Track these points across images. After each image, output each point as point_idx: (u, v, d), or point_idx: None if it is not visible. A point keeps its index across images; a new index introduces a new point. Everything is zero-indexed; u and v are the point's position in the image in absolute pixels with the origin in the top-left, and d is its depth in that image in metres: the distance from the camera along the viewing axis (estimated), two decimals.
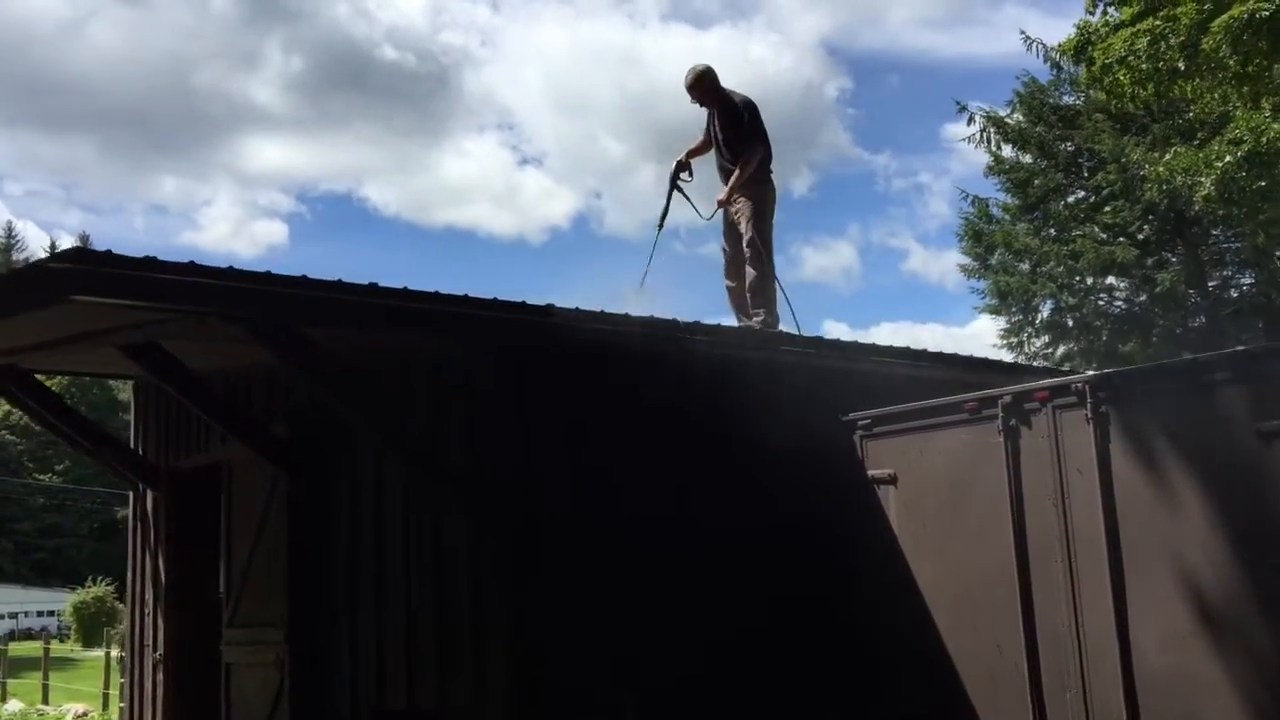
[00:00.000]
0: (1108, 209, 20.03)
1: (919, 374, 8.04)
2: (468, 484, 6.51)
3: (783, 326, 8.61)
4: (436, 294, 6.18)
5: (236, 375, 8.33)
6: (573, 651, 6.38)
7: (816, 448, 7.34)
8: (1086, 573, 6.12)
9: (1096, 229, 19.51)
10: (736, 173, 8.62)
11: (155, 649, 9.18)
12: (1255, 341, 20.05)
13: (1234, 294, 19.75)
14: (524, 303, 6.48)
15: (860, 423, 7.33)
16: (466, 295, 6.30)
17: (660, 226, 9.13)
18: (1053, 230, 20.79)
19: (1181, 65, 15.01)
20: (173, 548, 9.21)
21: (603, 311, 6.69)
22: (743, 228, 8.63)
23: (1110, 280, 20.14)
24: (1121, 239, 19.32)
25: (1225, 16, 13.26)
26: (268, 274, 5.65)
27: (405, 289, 6.08)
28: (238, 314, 5.65)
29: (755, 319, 8.60)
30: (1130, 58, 14.94)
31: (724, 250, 9.05)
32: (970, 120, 21.69)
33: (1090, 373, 6.37)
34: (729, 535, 7.06)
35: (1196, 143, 18.43)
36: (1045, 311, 20.32)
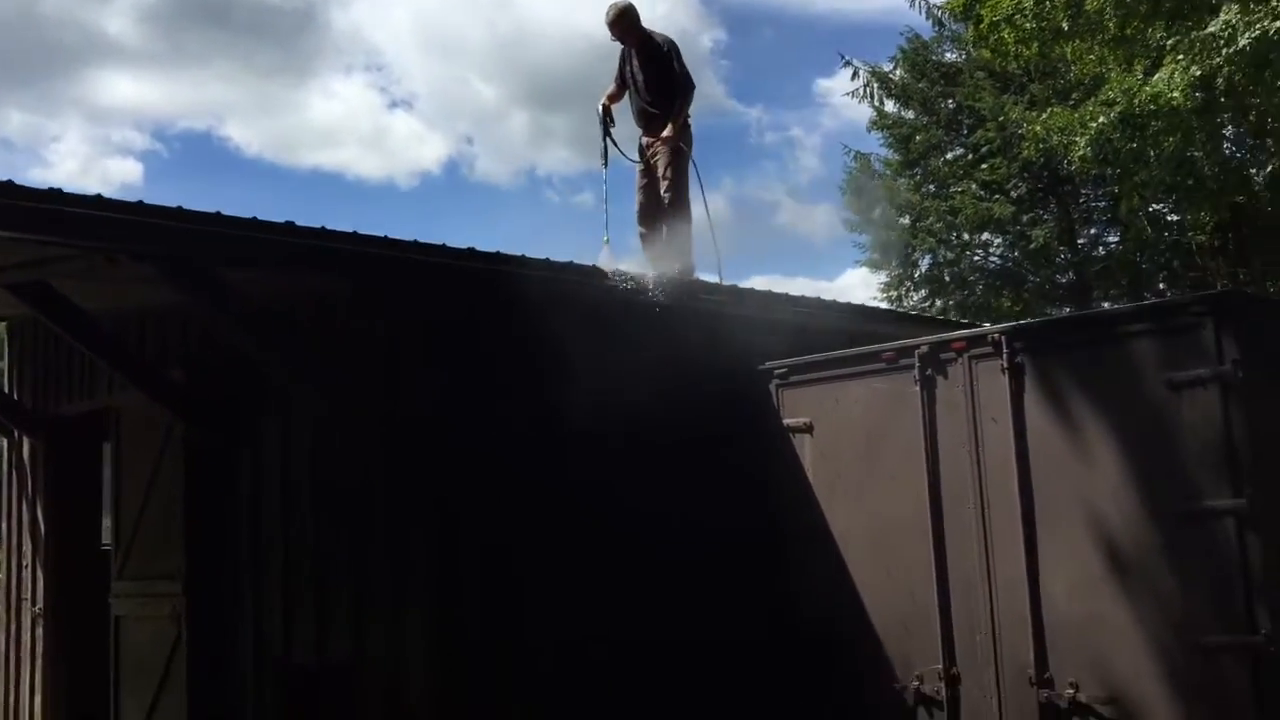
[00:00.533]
0: (985, 166, 20.50)
1: (833, 325, 8.11)
2: (388, 423, 6.32)
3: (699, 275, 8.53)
4: (356, 234, 5.97)
5: (126, 317, 7.93)
6: (494, 599, 6.29)
7: (733, 396, 7.36)
8: (999, 520, 6.27)
9: (975, 186, 19.98)
10: (673, 115, 8.39)
11: (34, 603, 8.77)
12: (1121, 299, 20.89)
13: (1101, 251, 20.49)
14: (443, 245, 6.32)
15: (776, 372, 7.36)
16: (387, 236, 6.11)
17: (605, 166, 8.89)
18: (932, 186, 21.21)
19: (1065, 25, 15.37)
20: (52, 497, 8.79)
21: (519, 256, 6.54)
22: (662, 173, 8.46)
23: (986, 236, 20.68)
24: (998, 196, 19.83)
25: None
26: (181, 209, 5.37)
27: (324, 228, 5.86)
28: (151, 252, 5.35)
29: (672, 267, 8.46)
30: (1016, 16, 15.24)
31: (638, 198, 8.86)
32: (854, 75, 21.93)
33: (1007, 324, 6.50)
34: (643, 481, 7.03)
35: (1072, 103, 18.97)
36: (924, 266, 20.81)
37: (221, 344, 7.30)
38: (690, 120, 8.76)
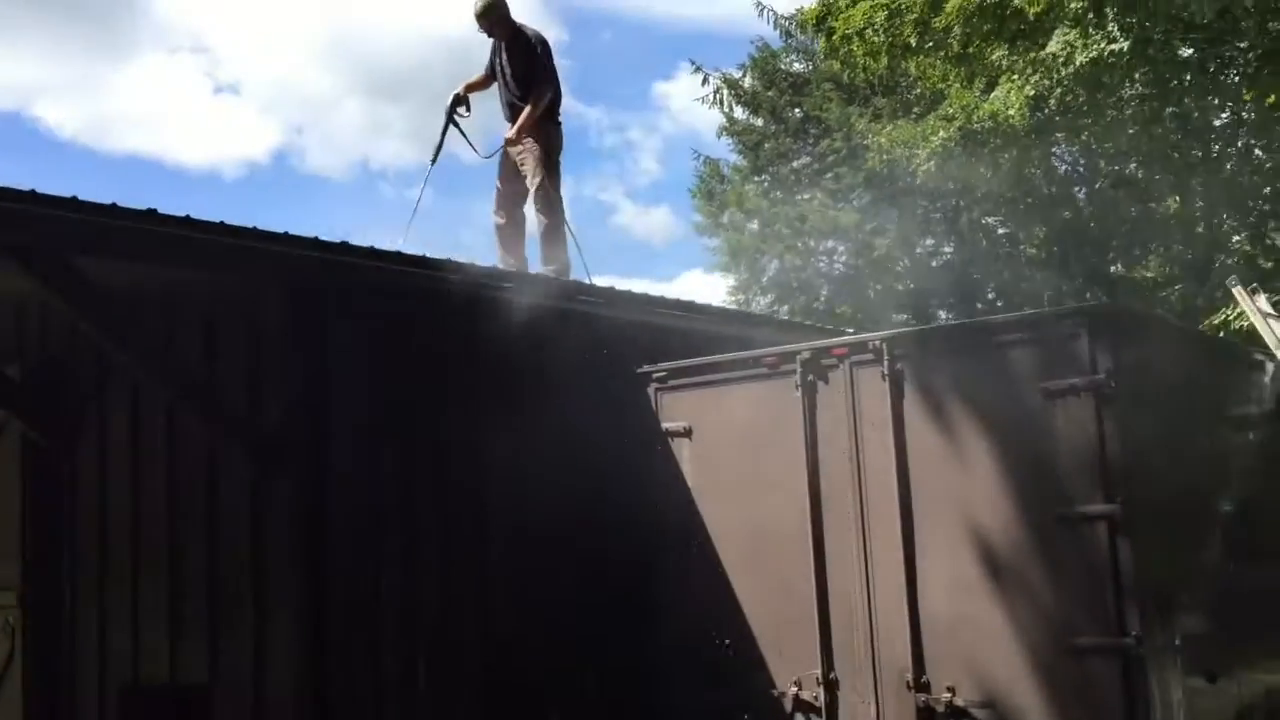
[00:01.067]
0: (830, 175, 20.97)
1: (707, 329, 8.08)
2: (250, 431, 5.97)
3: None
4: (222, 224, 5.60)
5: None
6: (364, 614, 6.02)
7: (609, 399, 7.24)
8: (878, 525, 6.33)
9: (820, 194, 20.41)
10: (527, 109, 8.25)
11: None
12: (953, 308, 21.67)
13: (935, 264, 21.20)
14: (318, 239, 6.00)
15: (655, 375, 7.27)
16: (255, 228, 5.76)
17: (434, 161, 8.70)
18: (778, 193, 21.57)
19: (913, 41, 15.83)
20: None
21: (415, 255, 6.28)
22: (529, 169, 8.29)
23: (831, 243, 21.14)
24: (843, 205, 20.31)
25: None
26: (34, 193, 4.92)
27: (187, 217, 5.47)
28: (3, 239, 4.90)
29: (548, 268, 8.33)
30: (868, 30, 15.61)
31: (498, 187, 8.65)
32: (704, 80, 22.14)
33: (888, 331, 6.57)
34: (518, 487, 6.87)
35: (914, 117, 19.57)
36: (771, 271, 21.13)
37: (64, 339, 6.82)
38: (560, 120, 8.63)
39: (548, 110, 8.44)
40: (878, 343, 6.40)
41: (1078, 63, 13.13)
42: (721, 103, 21.96)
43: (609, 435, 7.21)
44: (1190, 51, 14.44)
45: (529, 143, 8.29)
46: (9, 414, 6.70)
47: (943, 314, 21.03)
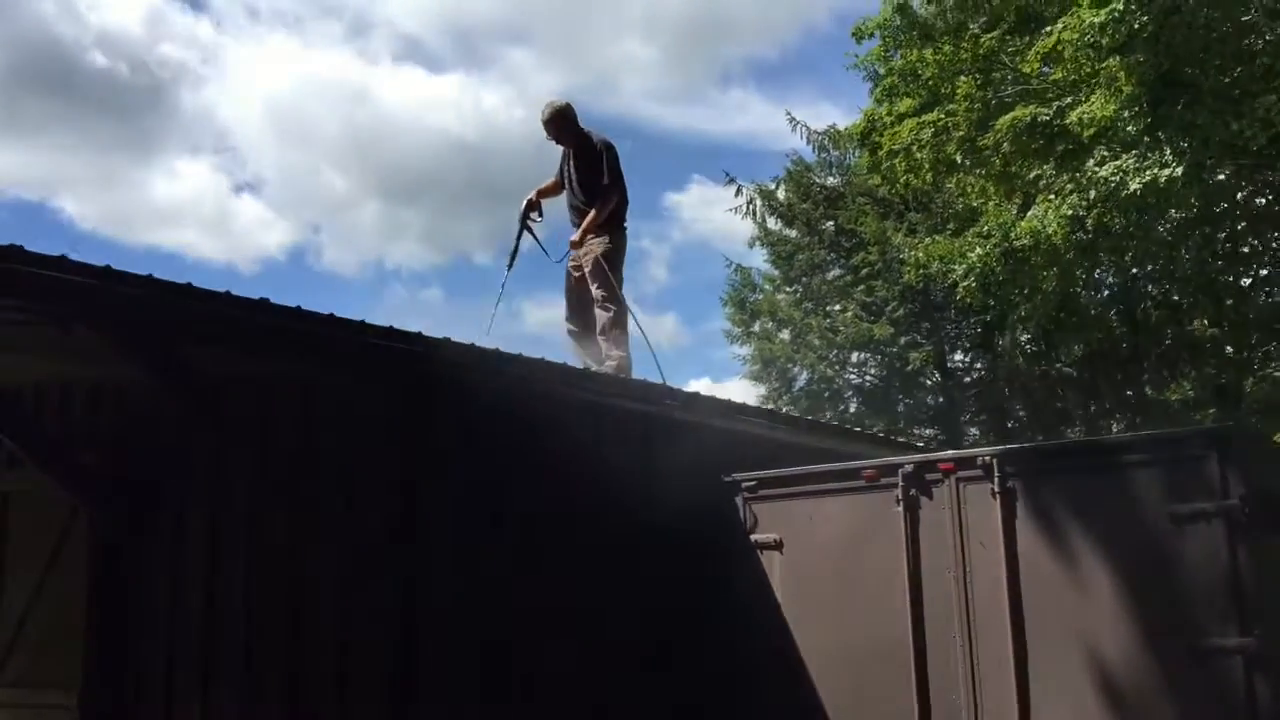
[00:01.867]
0: (861, 287, 20.97)
1: (785, 439, 7.90)
2: (344, 530, 5.74)
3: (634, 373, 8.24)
4: (333, 317, 5.45)
5: (21, 391, 7.09)
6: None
7: (691, 507, 7.03)
8: (987, 648, 6.07)
9: (854, 306, 20.39)
10: (592, 214, 8.23)
11: None
12: (987, 422, 21.50)
13: (968, 379, 21.10)
14: (420, 333, 5.84)
15: (744, 484, 7.06)
16: (363, 322, 5.61)
17: (510, 266, 8.63)
18: (809, 304, 21.56)
19: (958, 159, 15.94)
20: None
21: (504, 352, 6.12)
22: (588, 269, 8.25)
23: (861, 356, 21.07)
24: (874, 318, 20.27)
25: (1010, 116, 14.19)
26: (152, 278, 4.78)
27: (299, 309, 5.33)
28: (113, 324, 4.74)
29: (608, 364, 8.18)
30: (914, 147, 15.73)
31: (569, 295, 8.63)
32: (738, 191, 22.30)
33: (996, 447, 6.38)
34: (596, 592, 6.60)
35: (950, 232, 19.64)
36: (801, 381, 21.01)
37: (141, 428, 6.62)
38: (626, 226, 8.59)
39: (615, 214, 8.42)
40: (988, 458, 6.21)
41: (1131, 188, 13.11)
42: (754, 213, 22.09)
43: (692, 544, 6.97)
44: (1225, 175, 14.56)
45: (595, 243, 8.27)
46: (83, 503, 6.44)
47: (973, 430, 20.85)
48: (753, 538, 6.95)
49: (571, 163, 8.55)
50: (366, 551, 5.75)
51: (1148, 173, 12.92)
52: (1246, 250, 17.70)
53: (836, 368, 20.73)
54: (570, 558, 6.46)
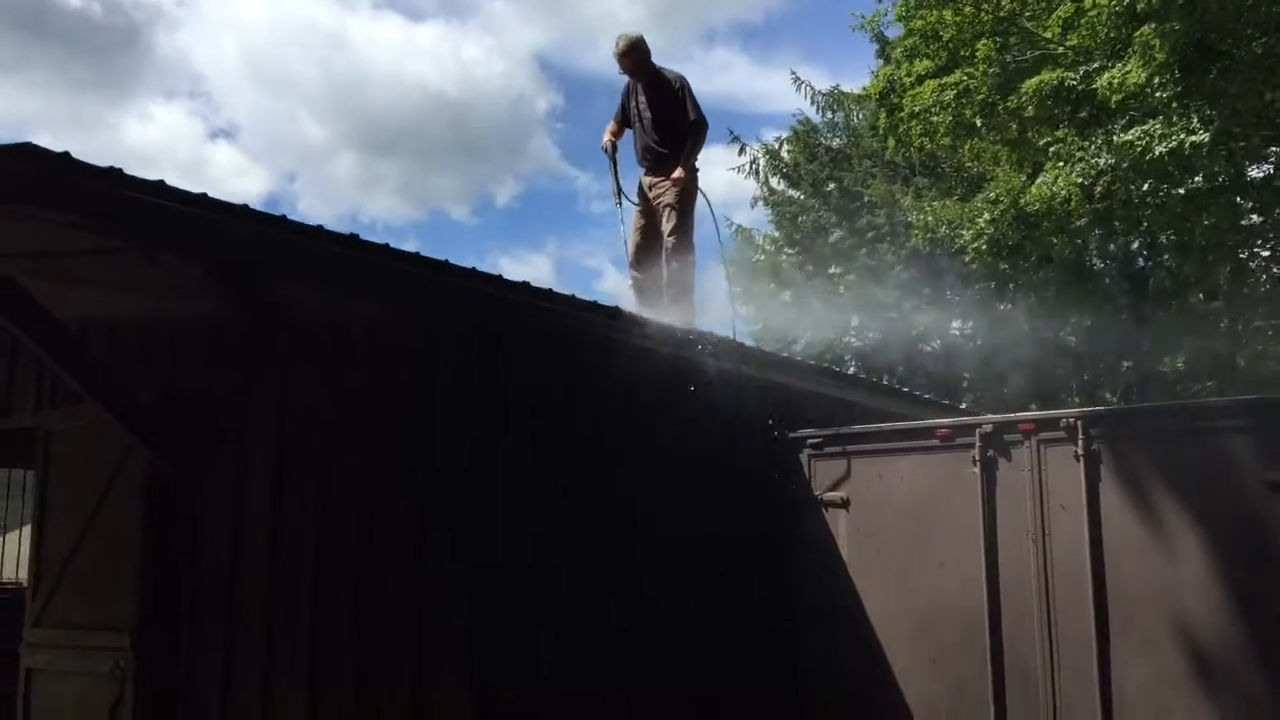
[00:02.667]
0: (864, 251, 20.87)
1: (847, 398, 7.79)
2: (415, 473, 5.57)
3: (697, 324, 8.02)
4: (419, 256, 5.26)
5: (88, 330, 6.85)
6: (524, 671, 5.59)
7: (750, 462, 6.92)
8: (1066, 611, 6.02)
9: (858, 270, 20.28)
10: (688, 150, 7.91)
11: None
12: (985, 389, 21.50)
13: (972, 346, 21.06)
14: (500, 276, 5.67)
15: (810, 441, 6.95)
16: (446, 261, 5.42)
17: (619, 203, 8.30)
18: (810, 267, 21.44)
19: (978, 122, 15.81)
20: None
21: (548, 291, 5.93)
22: (665, 216, 7.94)
23: (862, 319, 20.95)
24: (877, 281, 20.16)
25: (1036, 79, 14.06)
26: (246, 208, 4.56)
27: (387, 246, 5.13)
28: (206, 251, 4.53)
29: (675, 314, 7.89)
30: (935, 109, 15.58)
31: (635, 239, 8.28)
32: (741, 150, 22.07)
33: (1081, 409, 6.28)
34: (658, 544, 6.48)
35: (956, 197, 19.54)
36: (800, 345, 20.88)
37: (199, 366, 6.42)
38: (699, 168, 8.33)
39: (688, 153, 8.08)
40: (1071, 420, 6.12)
41: (1156, 153, 13.00)
42: (758, 173, 21.89)
43: (756, 499, 6.88)
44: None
45: (666, 186, 7.95)
46: (135, 441, 6.23)
47: (970, 396, 20.84)
48: (818, 495, 6.85)
49: (642, 98, 8.19)
50: (438, 493, 5.58)
51: (1174, 138, 12.82)
52: (1250, 224, 17.71)
53: (839, 331, 20.65)
54: (621, 509, 6.32)
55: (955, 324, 22.42)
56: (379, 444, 5.71)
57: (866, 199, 20.33)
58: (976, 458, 6.35)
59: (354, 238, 4.97)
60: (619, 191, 8.22)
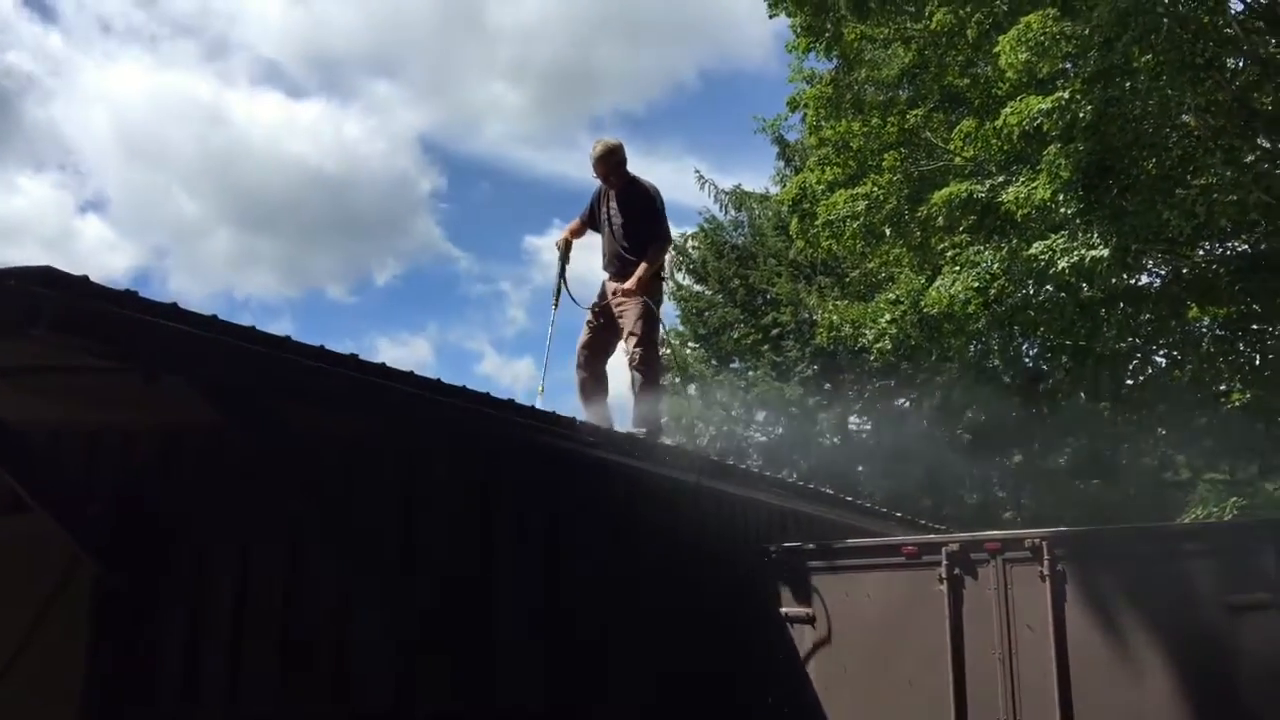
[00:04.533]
0: (766, 347, 21.24)
1: (813, 513, 7.86)
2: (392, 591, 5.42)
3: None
4: (412, 374, 5.18)
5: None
6: None
7: (723, 576, 6.91)
8: None
9: (764, 366, 20.60)
10: (644, 265, 7.91)
11: None
12: (881, 487, 21.90)
13: (868, 439, 21.52)
14: (489, 394, 5.62)
15: (776, 555, 6.97)
16: (438, 380, 5.35)
17: (556, 305, 8.26)
18: (714, 362, 21.70)
19: (887, 230, 16.37)
20: None
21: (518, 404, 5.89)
22: (629, 324, 7.89)
23: (767, 415, 21.26)
24: (782, 378, 20.52)
25: (946, 190, 14.63)
26: (253, 330, 4.46)
27: (383, 365, 5.05)
28: (207, 377, 4.39)
29: (639, 430, 7.85)
30: (849, 218, 16.10)
31: (585, 339, 8.24)
32: None
33: (1046, 529, 6.45)
34: (632, 657, 6.40)
35: (857, 296, 20.09)
36: (705, 439, 21.02)
37: (154, 476, 6.15)
38: (665, 278, 8.40)
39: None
40: (1036, 540, 6.27)
41: (1060, 266, 13.57)
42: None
43: (722, 614, 6.85)
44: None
45: (628, 297, 7.90)
46: (88, 553, 5.90)
47: (872, 492, 21.23)
48: (783, 610, 6.86)
49: (613, 204, 8.20)
50: (417, 619, 5.43)
51: (1075, 253, 13.43)
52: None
53: (742, 425, 20.90)
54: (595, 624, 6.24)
55: (854, 419, 22.93)
56: (355, 566, 5.54)
57: (771, 296, 20.75)
58: (943, 576, 6.45)
59: (354, 357, 4.88)
60: (559, 291, 8.16)
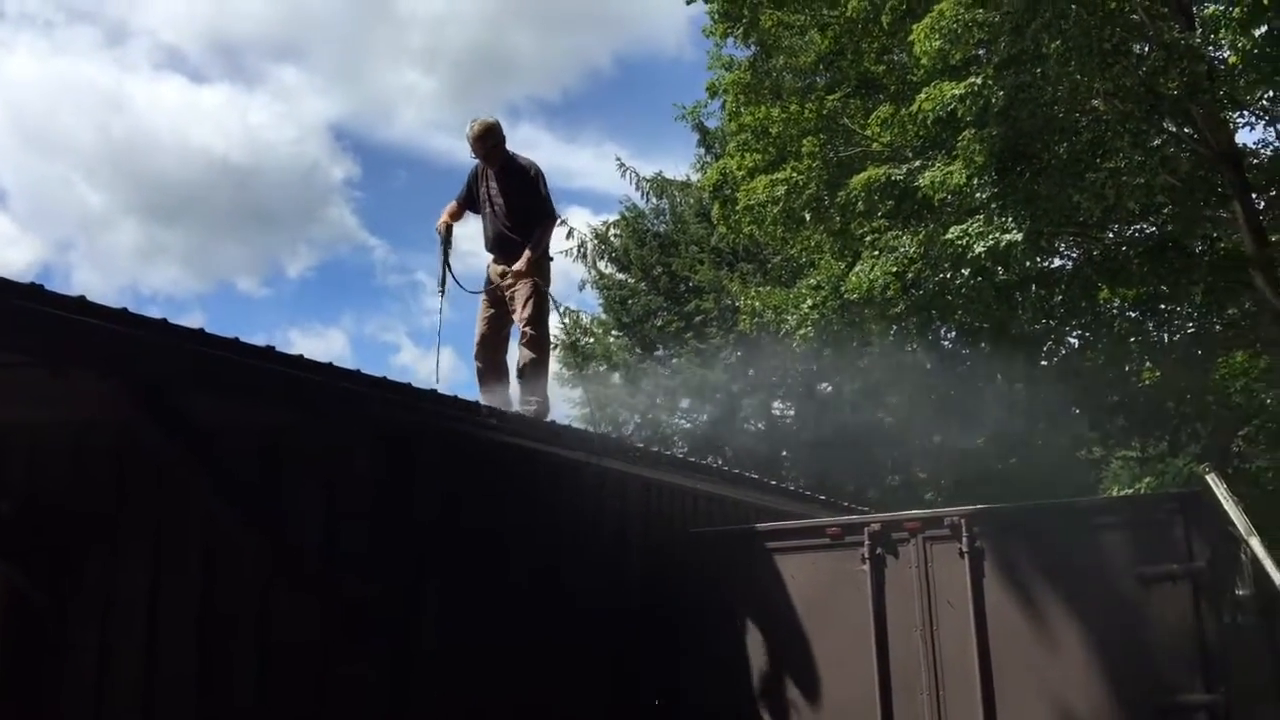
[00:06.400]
0: (690, 334, 21.33)
1: (727, 495, 7.90)
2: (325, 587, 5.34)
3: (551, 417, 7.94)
4: (331, 366, 5.10)
5: None
6: None
7: (653, 563, 6.93)
8: (955, 707, 6.21)
9: (688, 353, 20.69)
10: (533, 244, 7.79)
11: None
12: (805, 471, 22.13)
13: (791, 424, 21.75)
14: (409, 385, 5.55)
15: (705, 540, 7.00)
16: (358, 371, 5.28)
17: (442, 293, 8.01)
18: (638, 350, 21.74)
19: (807, 216, 16.51)
20: None
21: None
22: (519, 307, 7.78)
23: (692, 402, 21.36)
24: (705, 365, 20.63)
25: (865, 175, 14.80)
26: (165, 322, 4.36)
27: (301, 357, 4.97)
28: (117, 370, 4.28)
29: (527, 407, 7.78)
30: (769, 203, 16.20)
31: (482, 327, 8.07)
32: (569, 234, 22.32)
33: (965, 508, 6.55)
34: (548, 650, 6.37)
35: (778, 282, 20.27)
36: (630, 427, 21.09)
37: (63, 477, 5.98)
38: (552, 257, 8.30)
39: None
40: (955, 519, 6.39)
41: (976, 251, 13.80)
42: (585, 256, 22.17)
43: (652, 601, 6.87)
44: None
45: (517, 278, 7.78)
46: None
47: (796, 477, 21.43)
48: (712, 594, 6.89)
49: (493, 184, 8.03)
50: (337, 621, 5.36)
51: (990, 237, 13.67)
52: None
53: (667, 412, 20.98)
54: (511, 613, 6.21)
55: (777, 405, 23.13)
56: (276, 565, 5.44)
57: (694, 283, 20.85)
58: (865, 555, 6.53)
59: (270, 349, 4.80)
60: (444, 279, 7.96)
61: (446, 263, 8.04)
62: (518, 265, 7.78)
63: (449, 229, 8.10)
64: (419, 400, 5.59)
